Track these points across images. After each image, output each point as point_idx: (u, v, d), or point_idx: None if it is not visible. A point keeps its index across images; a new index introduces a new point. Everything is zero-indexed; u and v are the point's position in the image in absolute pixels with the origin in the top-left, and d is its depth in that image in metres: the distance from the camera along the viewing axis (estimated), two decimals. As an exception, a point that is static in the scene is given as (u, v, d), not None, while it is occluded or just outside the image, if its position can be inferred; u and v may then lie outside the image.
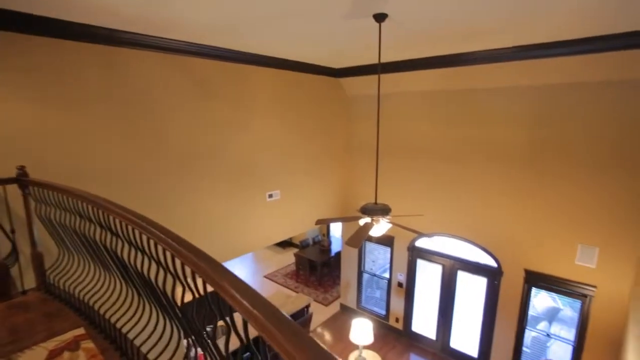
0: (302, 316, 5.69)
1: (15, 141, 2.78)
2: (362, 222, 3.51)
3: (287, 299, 6.07)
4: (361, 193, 6.26)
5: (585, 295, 4.33)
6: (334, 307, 7.32)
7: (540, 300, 5.00)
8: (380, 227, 3.42)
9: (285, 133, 5.07)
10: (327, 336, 6.38)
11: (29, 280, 2.62)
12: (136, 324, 1.93)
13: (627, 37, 3.23)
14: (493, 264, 5.01)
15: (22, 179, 2.38)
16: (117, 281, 2.07)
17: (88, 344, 1.92)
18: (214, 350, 1.35)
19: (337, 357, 0.91)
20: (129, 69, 3.36)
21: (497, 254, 4.95)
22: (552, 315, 6.09)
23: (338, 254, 8.41)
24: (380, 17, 2.80)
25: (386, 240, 6.07)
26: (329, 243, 9.09)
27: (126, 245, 1.68)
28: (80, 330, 2.03)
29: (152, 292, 1.65)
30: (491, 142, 4.72)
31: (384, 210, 3.40)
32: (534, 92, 4.29)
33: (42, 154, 2.92)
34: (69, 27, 2.86)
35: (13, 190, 2.45)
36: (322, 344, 0.74)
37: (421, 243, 5.76)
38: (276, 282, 8.64)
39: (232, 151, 4.40)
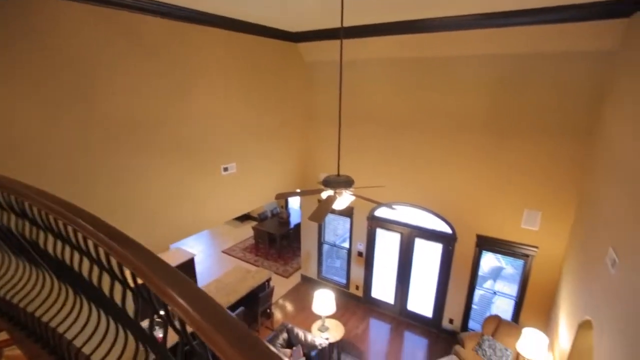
0: (263, 290, 5.61)
1: None
2: (324, 195, 3.39)
3: (247, 274, 5.93)
4: (321, 164, 6.14)
5: (527, 255, 4.69)
6: (295, 279, 7.34)
7: (487, 261, 5.35)
8: (344, 199, 3.32)
9: (238, 101, 4.69)
10: (289, 307, 6.42)
11: None
12: (74, 322, 1.67)
13: (589, 8, 3.29)
14: (448, 230, 5.23)
15: None
16: (47, 276, 1.77)
17: (13, 351, 1.64)
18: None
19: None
20: (46, 21, 2.79)
21: (452, 221, 5.15)
22: (496, 274, 6.62)
23: (297, 225, 8.36)
24: (343, -28, 2.53)
25: (346, 211, 6.08)
26: (288, 215, 8.99)
27: (50, 235, 1.39)
28: (3, 335, 1.72)
29: (87, 288, 1.41)
30: (449, 111, 4.76)
31: (347, 183, 3.29)
32: (493, 61, 4.31)
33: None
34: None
35: None
36: (275, 350, 0.62)
37: (380, 213, 5.84)
38: (235, 256, 8.45)
39: (180, 121, 3.98)
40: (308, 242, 6.92)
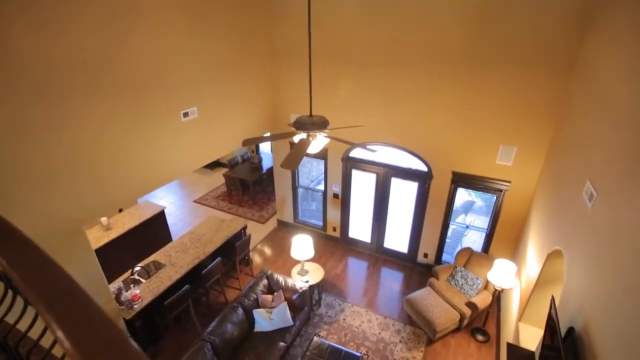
0: (240, 239, 5.50)
1: None
2: (297, 138, 3.10)
3: (221, 224, 5.76)
4: (291, 104, 5.71)
5: (500, 190, 4.75)
6: (272, 224, 7.29)
7: (459, 195, 5.42)
8: (318, 142, 3.06)
9: (194, 35, 4.05)
10: (268, 253, 6.43)
11: None
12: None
13: None
14: (424, 168, 5.16)
15: None
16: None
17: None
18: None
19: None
20: None
21: (428, 159, 5.07)
22: (467, 208, 6.83)
23: (270, 169, 8.10)
24: None
25: (320, 153, 5.84)
26: (260, 160, 8.66)
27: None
28: None
29: None
30: (424, 43, 4.38)
31: (321, 124, 3.00)
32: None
33: None
34: None
35: None
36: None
37: (355, 153, 5.65)
38: (208, 205, 8.21)
39: (126, 60, 3.38)
40: (282, 187, 6.75)
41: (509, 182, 4.63)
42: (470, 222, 6.26)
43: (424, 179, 5.25)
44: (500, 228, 4.99)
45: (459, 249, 5.31)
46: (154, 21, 3.58)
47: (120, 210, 6.18)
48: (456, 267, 4.95)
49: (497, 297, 5.16)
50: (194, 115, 4.32)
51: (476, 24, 4.02)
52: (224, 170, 8.95)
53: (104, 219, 5.61)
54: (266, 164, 8.63)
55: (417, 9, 4.25)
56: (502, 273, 4.02)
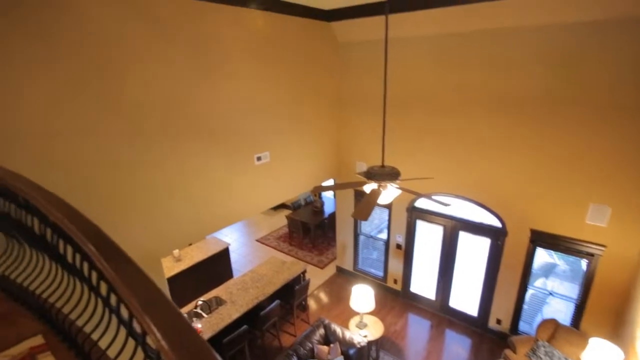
0: (299, 283, 5.49)
1: None
2: (367, 188, 3.12)
3: (282, 266, 5.83)
4: (357, 152, 5.84)
5: (592, 255, 4.18)
6: (330, 270, 7.18)
7: (539, 257, 4.87)
8: (389, 193, 3.04)
9: (268, 87, 4.45)
10: (325, 299, 6.28)
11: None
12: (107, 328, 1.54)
13: None
14: (497, 224, 4.79)
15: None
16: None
17: (47, 358, 1.54)
18: None
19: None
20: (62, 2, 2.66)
21: (502, 214, 4.71)
22: (548, 272, 6.08)
23: (332, 214, 8.16)
24: None
25: (384, 202, 5.76)
26: (322, 204, 8.80)
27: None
28: (38, 340, 1.63)
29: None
30: (500, 91, 4.27)
31: (392, 175, 3.00)
32: (552, 33, 3.76)
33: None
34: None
35: None
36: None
37: (421, 203, 5.48)
38: (269, 245, 8.42)
39: (208, 109, 3.78)
40: (343, 233, 6.71)
41: (604, 246, 4.06)
42: (552, 288, 5.52)
43: (497, 236, 4.85)
44: (595, 299, 4.31)
45: (539, 318, 4.67)
46: (237, 78, 4.02)
47: (190, 244, 6.62)
48: (537, 340, 4.32)
49: (593, 384, 4.32)
50: (266, 159, 4.62)
51: (558, 67, 3.82)
52: (287, 212, 9.22)
53: (175, 251, 6.04)
54: (328, 208, 8.73)
55: (491, 55, 4.21)
56: (602, 358, 3.39)
